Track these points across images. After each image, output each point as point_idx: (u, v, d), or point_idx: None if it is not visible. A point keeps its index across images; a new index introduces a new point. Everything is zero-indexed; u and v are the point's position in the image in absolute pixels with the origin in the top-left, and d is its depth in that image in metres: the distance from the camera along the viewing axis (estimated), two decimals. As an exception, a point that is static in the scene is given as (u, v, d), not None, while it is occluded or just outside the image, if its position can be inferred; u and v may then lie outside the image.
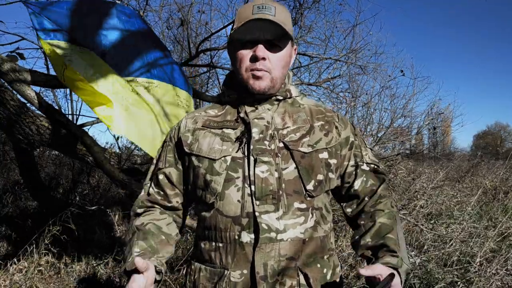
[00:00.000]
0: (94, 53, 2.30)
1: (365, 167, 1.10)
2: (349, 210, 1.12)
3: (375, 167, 1.11)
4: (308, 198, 1.00)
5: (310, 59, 4.51)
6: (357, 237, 1.06)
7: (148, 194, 1.11)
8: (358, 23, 4.66)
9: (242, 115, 1.06)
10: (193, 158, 1.04)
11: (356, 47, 4.66)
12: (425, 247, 3.55)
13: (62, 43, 2.23)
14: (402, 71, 5.00)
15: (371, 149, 1.15)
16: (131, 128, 2.27)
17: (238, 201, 0.97)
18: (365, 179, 1.09)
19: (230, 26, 3.73)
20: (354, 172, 1.09)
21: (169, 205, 1.11)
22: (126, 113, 2.28)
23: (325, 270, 1.01)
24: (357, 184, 1.09)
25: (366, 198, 1.10)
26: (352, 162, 1.10)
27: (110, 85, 2.27)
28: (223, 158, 1.00)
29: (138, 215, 1.10)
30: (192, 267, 1.06)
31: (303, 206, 0.99)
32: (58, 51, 2.18)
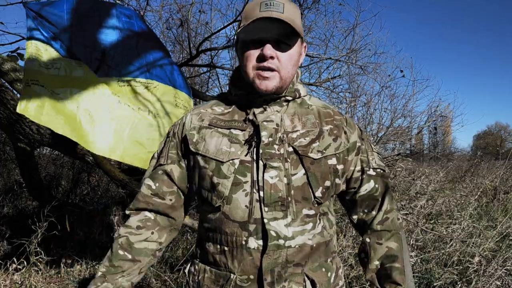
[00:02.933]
0: (86, 66, 2.20)
1: (371, 172, 1.07)
2: (355, 217, 1.11)
3: (382, 171, 1.09)
4: (316, 205, 0.98)
5: (310, 59, 4.50)
6: (363, 256, 1.08)
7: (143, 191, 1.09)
8: (358, 23, 4.65)
9: (250, 117, 1.02)
10: (199, 158, 1.01)
11: (356, 47, 4.65)
12: (426, 247, 3.55)
13: (54, 52, 2.10)
14: (402, 71, 5.00)
15: (377, 153, 1.12)
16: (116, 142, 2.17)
17: (246, 206, 0.95)
18: (371, 185, 1.07)
19: (233, 25, 3.74)
20: (360, 178, 1.07)
21: (162, 201, 1.06)
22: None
23: (329, 274, 1.01)
24: (363, 190, 1.07)
25: (374, 212, 1.08)
26: (358, 168, 1.07)
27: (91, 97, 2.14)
28: (231, 161, 0.97)
29: (127, 216, 1.09)
30: (196, 267, 1.04)
31: (312, 212, 0.97)
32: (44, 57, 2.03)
